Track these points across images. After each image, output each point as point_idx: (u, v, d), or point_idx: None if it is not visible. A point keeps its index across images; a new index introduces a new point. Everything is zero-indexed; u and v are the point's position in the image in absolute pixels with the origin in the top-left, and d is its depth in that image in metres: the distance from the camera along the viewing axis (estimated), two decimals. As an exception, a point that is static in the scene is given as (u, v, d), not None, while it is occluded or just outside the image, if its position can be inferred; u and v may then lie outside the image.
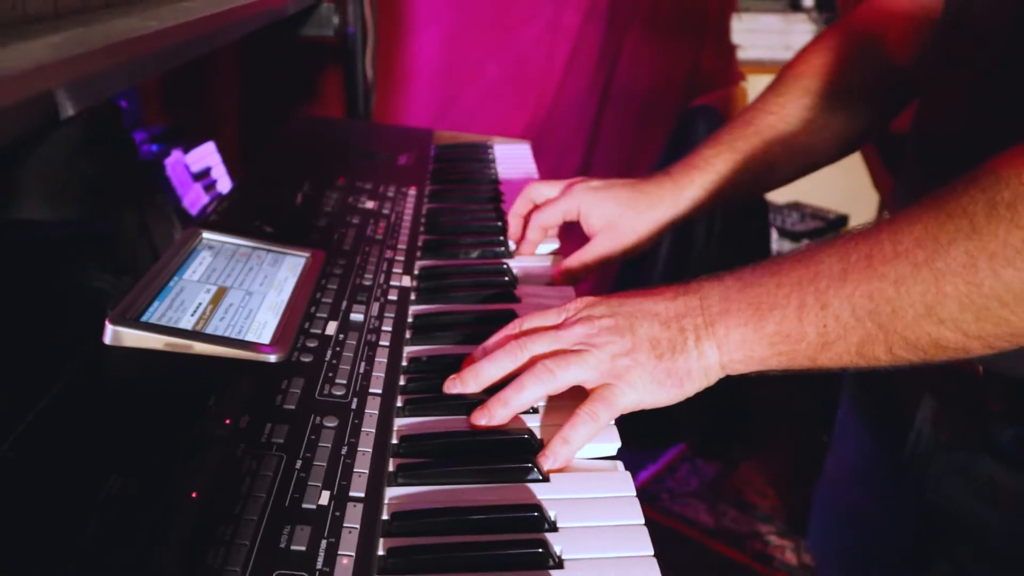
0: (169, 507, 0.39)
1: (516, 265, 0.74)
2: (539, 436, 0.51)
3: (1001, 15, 0.56)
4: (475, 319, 0.64)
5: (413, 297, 0.68)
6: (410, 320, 0.64)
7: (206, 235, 0.68)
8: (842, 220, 2.13)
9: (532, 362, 0.52)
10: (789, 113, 0.74)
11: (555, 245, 0.79)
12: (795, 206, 2.20)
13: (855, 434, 0.88)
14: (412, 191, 0.89)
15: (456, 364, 0.58)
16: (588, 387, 0.51)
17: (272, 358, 0.53)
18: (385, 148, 1.02)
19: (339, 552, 0.39)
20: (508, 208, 0.88)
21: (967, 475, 0.64)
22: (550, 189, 0.78)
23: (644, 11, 2.22)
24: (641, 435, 0.55)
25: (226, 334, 0.55)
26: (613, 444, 0.51)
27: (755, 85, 2.36)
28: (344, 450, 0.46)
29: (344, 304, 0.62)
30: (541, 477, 0.48)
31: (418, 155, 1.02)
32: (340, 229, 0.75)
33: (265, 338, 0.55)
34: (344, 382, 0.52)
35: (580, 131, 2.19)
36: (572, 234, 0.91)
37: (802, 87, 0.74)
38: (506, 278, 0.71)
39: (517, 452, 0.49)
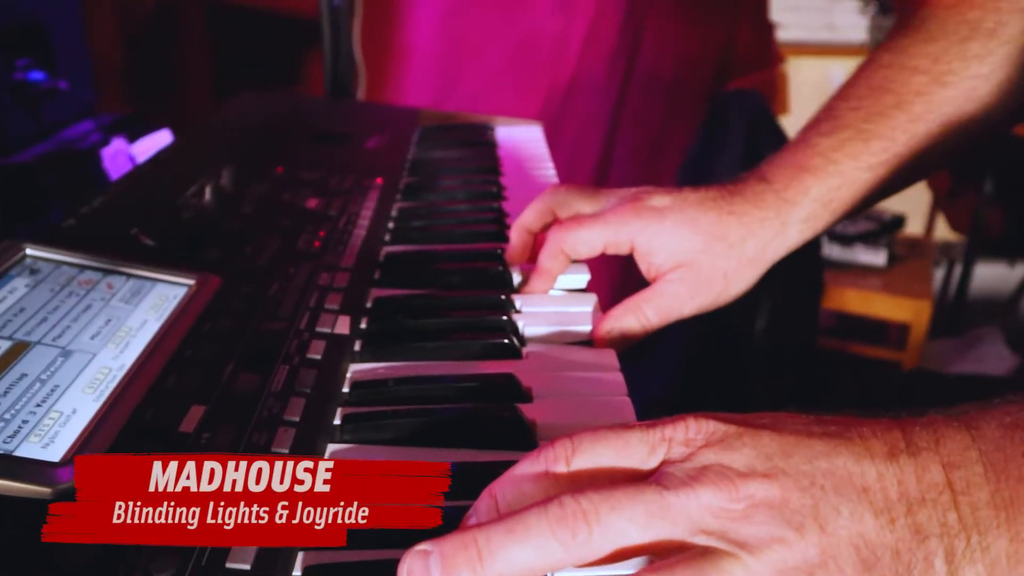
0: None
1: (524, 306, 0.48)
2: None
3: None
4: (451, 393, 0.39)
5: (358, 348, 0.43)
6: (346, 390, 0.39)
7: (31, 251, 0.43)
8: (898, 221, 1.86)
9: (615, 556, 0.26)
10: (950, 69, 0.47)
11: (585, 277, 0.51)
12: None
13: None
14: (378, 183, 0.64)
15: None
16: None
17: (56, 490, 0.28)
18: (351, 129, 0.77)
19: None
20: (510, 207, 0.63)
21: None
22: (583, 200, 0.50)
23: (671, -16, 1.97)
24: None
25: (-20, 441, 0.30)
26: None
27: (796, 68, 2.10)
28: None
29: (228, 369, 0.37)
30: None
31: (393, 137, 0.77)
32: (257, 240, 0.50)
33: (55, 449, 0.30)
34: (182, 545, 0.27)
35: (598, 119, 1.94)
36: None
37: (967, 25, 0.48)
38: (503, 317, 0.45)
39: None
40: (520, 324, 0.46)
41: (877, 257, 1.77)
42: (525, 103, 1.89)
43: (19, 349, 0.35)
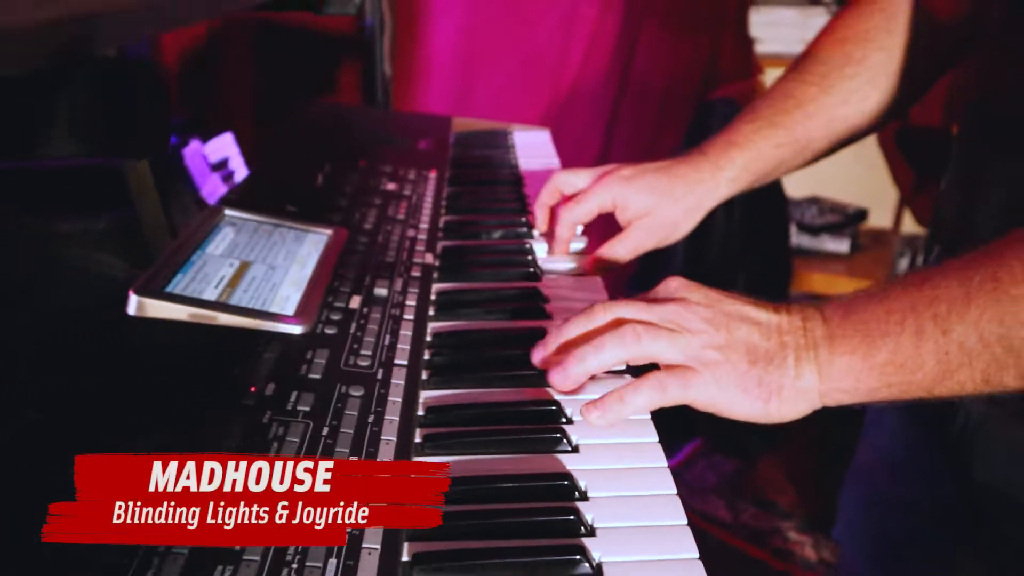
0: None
1: (540, 256, 0.73)
2: (568, 411, 0.50)
3: None
4: (497, 297, 0.64)
5: (436, 275, 0.68)
6: (433, 297, 0.64)
7: (228, 212, 0.67)
8: (861, 214, 2.10)
9: (616, 323, 0.49)
10: (831, 84, 0.71)
11: (583, 244, 0.75)
12: (813, 200, 2.18)
13: (890, 422, 0.85)
14: (432, 174, 0.88)
15: (479, 341, 0.58)
16: (665, 364, 0.48)
17: (297, 329, 0.53)
18: (404, 134, 1.02)
19: (368, 516, 0.38)
20: (529, 192, 0.88)
21: (1020, 450, 0.62)
22: (578, 178, 0.74)
23: (661, 4, 2.20)
24: (656, 429, 0.53)
25: (250, 305, 0.54)
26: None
27: (773, 78, 2.34)
28: (371, 418, 0.45)
29: (367, 279, 0.61)
30: (571, 448, 0.47)
31: (437, 140, 1.02)
32: (362, 209, 0.75)
33: (289, 310, 0.55)
34: (369, 353, 0.52)
35: (597, 123, 2.18)
36: (594, 225, 0.89)
37: (844, 55, 0.71)
38: (528, 256, 0.70)
39: (546, 421, 0.48)
40: (539, 262, 0.70)
41: (841, 245, 2.01)
42: (531, 108, 2.13)
43: (245, 265, 0.60)
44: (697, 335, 0.48)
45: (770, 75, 2.34)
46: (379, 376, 0.49)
